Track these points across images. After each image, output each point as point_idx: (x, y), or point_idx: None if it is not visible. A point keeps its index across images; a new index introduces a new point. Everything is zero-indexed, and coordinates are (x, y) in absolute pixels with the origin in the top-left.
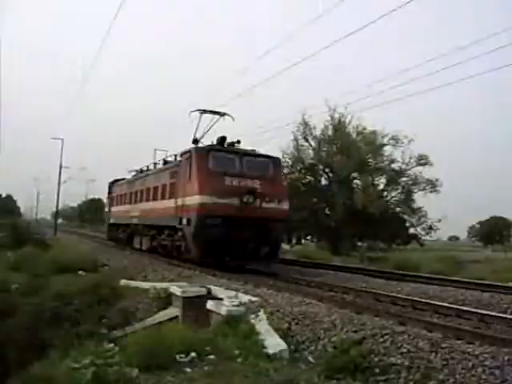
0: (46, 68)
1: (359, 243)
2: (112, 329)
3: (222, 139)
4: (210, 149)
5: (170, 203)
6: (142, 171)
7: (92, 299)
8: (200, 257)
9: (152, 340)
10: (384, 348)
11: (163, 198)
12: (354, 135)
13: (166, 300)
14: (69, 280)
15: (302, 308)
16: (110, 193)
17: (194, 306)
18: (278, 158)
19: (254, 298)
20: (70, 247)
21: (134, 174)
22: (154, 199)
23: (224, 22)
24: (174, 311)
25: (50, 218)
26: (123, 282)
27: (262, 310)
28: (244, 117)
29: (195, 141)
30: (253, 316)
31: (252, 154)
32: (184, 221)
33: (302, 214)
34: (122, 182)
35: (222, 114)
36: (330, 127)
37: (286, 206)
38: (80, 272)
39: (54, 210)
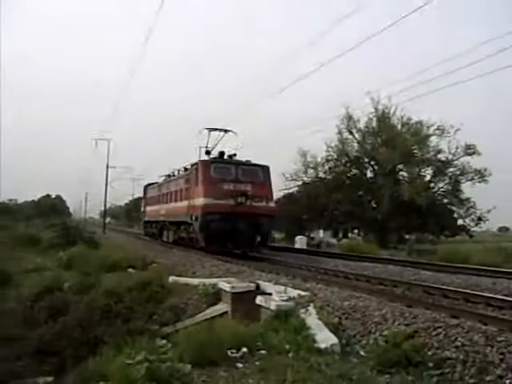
0: (90, 70)
1: (406, 236)
2: (163, 325)
3: (221, 153)
4: (212, 161)
5: (184, 204)
6: (169, 176)
7: (142, 296)
8: (205, 245)
9: (203, 336)
10: (437, 342)
11: (181, 199)
12: (399, 126)
13: (215, 296)
14: (119, 278)
15: (352, 302)
16: (144, 195)
17: (243, 301)
18: (266, 166)
19: (303, 293)
20: (118, 245)
21: (163, 178)
22: (175, 200)
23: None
24: (223, 307)
25: (99, 217)
26: (172, 278)
27: (311, 305)
28: (285, 112)
29: (207, 152)
30: (302, 310)
31: (245, 164)
32: (193, 217)
33: (347, 207)
34: (154, 185)
35: (226, 131)
36: (374, 119)
37: (272, 204)
38: (130, 270)
39: (102, 209)
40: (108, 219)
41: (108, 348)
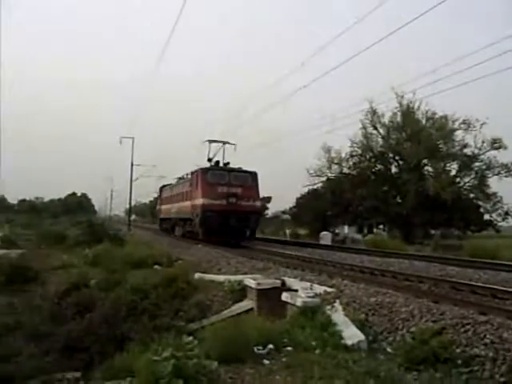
0: (111, 70)
1: (432, 231)
2: (188, 322)
3: (217, 162)
4: (209, 168)
5: (188, 203)
6: (180, 179)
7: (168, 293)
8: (204, 237)
9: (229, 332)
10: (466, 338)
11: (186, 200)
12: (424, 121)
13: (241, 292)
14: (145, 274)
15: (378, 298)
16: (159, 195)
17: (269, 297)
18: (254, 172)
19: (329, 289)
20: (144, 242)
21: (176, 180)
22: (182, 200)
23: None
24: (248, 303)
25: (124, 214)
26: (198, 275)
27: (337, 301)
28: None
29: (209, 159)
30: (329, 307)
31: (236, 170)
32: (195, 214)
33: (372, 202)
34: (167, 187)
35: (224, 143)
36: (399, 114)
37: (258, 204)
38: (155, 266)
39: (127, 206)
40: (133, 216)
41: (134, 344)
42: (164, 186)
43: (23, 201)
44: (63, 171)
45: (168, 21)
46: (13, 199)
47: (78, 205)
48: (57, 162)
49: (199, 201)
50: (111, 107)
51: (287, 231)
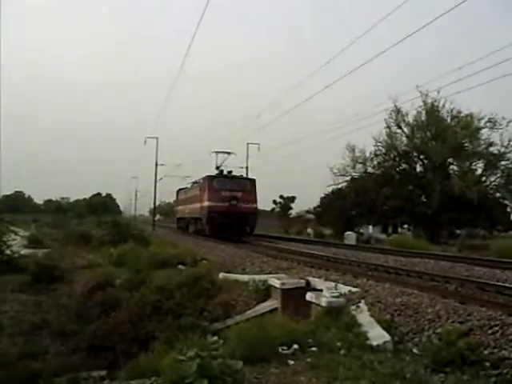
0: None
1: (457, 231)
2: (213, 321)
3: (221, 171)
4: (214, 176)
5: (198, 205)
6: (194, 183)
7: (192, 292)
8: (210, 233)
9: (254, 332)
10: (494, 340)
11: (196, 202)
12: (449, 119)
13: (265, 292)
14: (169, 274)
15: (404, 298)
16: (176, 197)
17: (293, 297)
18: (253, 179)
19: (353, 289)
20: (168, 242)
21: (190, 184)
22: (194, 202)
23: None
24: (273, 303)
25: (148, 214)
26: (222, 275)
27: (362, 301)
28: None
29: (217, 168)
30: (354, 307)
31: (237, 177)
32: (202, 215)
33: (396, 202)
34: (182, 190)
35: (228, 153)
36: (423, 112)
37: (255, 205)
38: (179, 266)
39: (152, 206)
40: (157, 216)
41: (159, 344)
42: (180, 189)
43: (49, 201)
44: (88, 172)
45: (190, 23)
46: (39, 199)
47: (102, 205)
48: (83, 162)
49: (206, 203)
50: (137, 107)
51: (309, 230)
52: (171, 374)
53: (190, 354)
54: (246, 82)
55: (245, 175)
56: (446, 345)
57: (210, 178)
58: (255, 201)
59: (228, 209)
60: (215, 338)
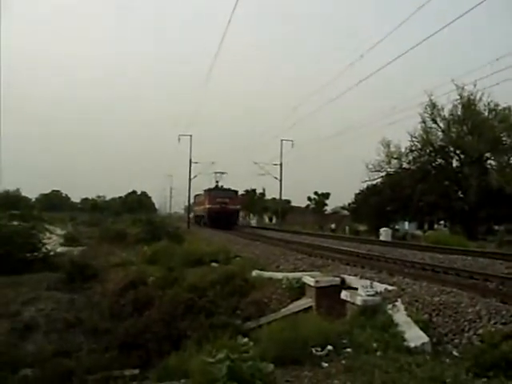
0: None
1: (496, 226)
2: (246, 320)
3: (217, 186)
4: (211, 189)
5: (203, 207)
6: (209, 189)
7: (225, 291)
8: (209, 224)
9: (286, 332)
10: None
11: (202, 205)
12: (486, 113)
13: (299, 290)
14: (202, 272)
15: (442, 297)
16: (194, 201)
17: (328, 296)
18: (236, 190)
19: (390, 287)
20: (202, 240)
21: (204, 191)
22: (201, 205)
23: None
24: (307, 302)
25: (183, 211)
26: (256, 272)
27: (399, 300)
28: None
29: (217, 182)
30: (390, 306)
31: (226, 190)
32: (205, 213)
33: (432, 197)
34: (196, 195)
35: (222, 173)
36: (459, 106)
37: (238, 207)
38: (213, 264)
39: (187, 204)
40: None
41: (190, 343)
42: (196, 195)
43: (86, 199)
44: (124, 170)
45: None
46: (76, 198)
47: (138, 203)
48: (118, 161)
49: (207, 206)
50: (171, 104)
51: (333, 226)
52: (200, 376)
53: (219, 357)
54: (280, 76)
55: (278, 173)
56: (488, 347)
57: (209, 190)
58: (238, 204)
59: (220, 209)
60: (246, 339)
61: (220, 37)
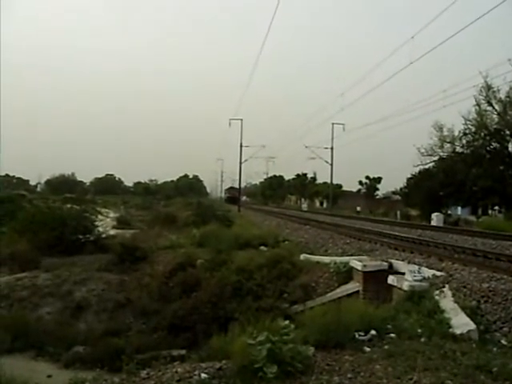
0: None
1: None
2: (293, 303)
3: (232, 187)
4: (228, 188)
5: (227, 195)
6: (227, 188)
7: (273, 274)
8: (226, 203)
9: (330, 316)
10: None
11: (226, 194)
12: None
13: (347, 274)
14: (250, 255)
15: (492, 284)
16: (225, 192)
17: (375, 280)
18: (239, 187)
19: (438, 273)
20: (252, 223)
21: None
22: (227, 193)
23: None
24: (354, 286)
25: None
26: (304, 256)
27: (447, 286)
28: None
29: (232, 182)
30: (437, 292)
31: (234, 188)
32: (226, 197)
33: (487, 182)
34: (226, 189)
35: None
36: None
37: (238, 195)
38: (261, 247)
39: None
40: (243, 197)
41: (234, 326)
42: (225, 189)
43: (138, 183)
44: (176, 154)
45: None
46: (129, 182)
47: (189, 187)
48: (171, 145)
49: (227, 194)
50: (222, 89)
51: (358, 208)
52: (241, 358)
53: (260, 339)
54: (329, 60)
55: (329, 156)
56: None
57: (228, 188)
58: (238, 194)
59: (232, 196)
60: (287, 321)
61: (269, 19)
